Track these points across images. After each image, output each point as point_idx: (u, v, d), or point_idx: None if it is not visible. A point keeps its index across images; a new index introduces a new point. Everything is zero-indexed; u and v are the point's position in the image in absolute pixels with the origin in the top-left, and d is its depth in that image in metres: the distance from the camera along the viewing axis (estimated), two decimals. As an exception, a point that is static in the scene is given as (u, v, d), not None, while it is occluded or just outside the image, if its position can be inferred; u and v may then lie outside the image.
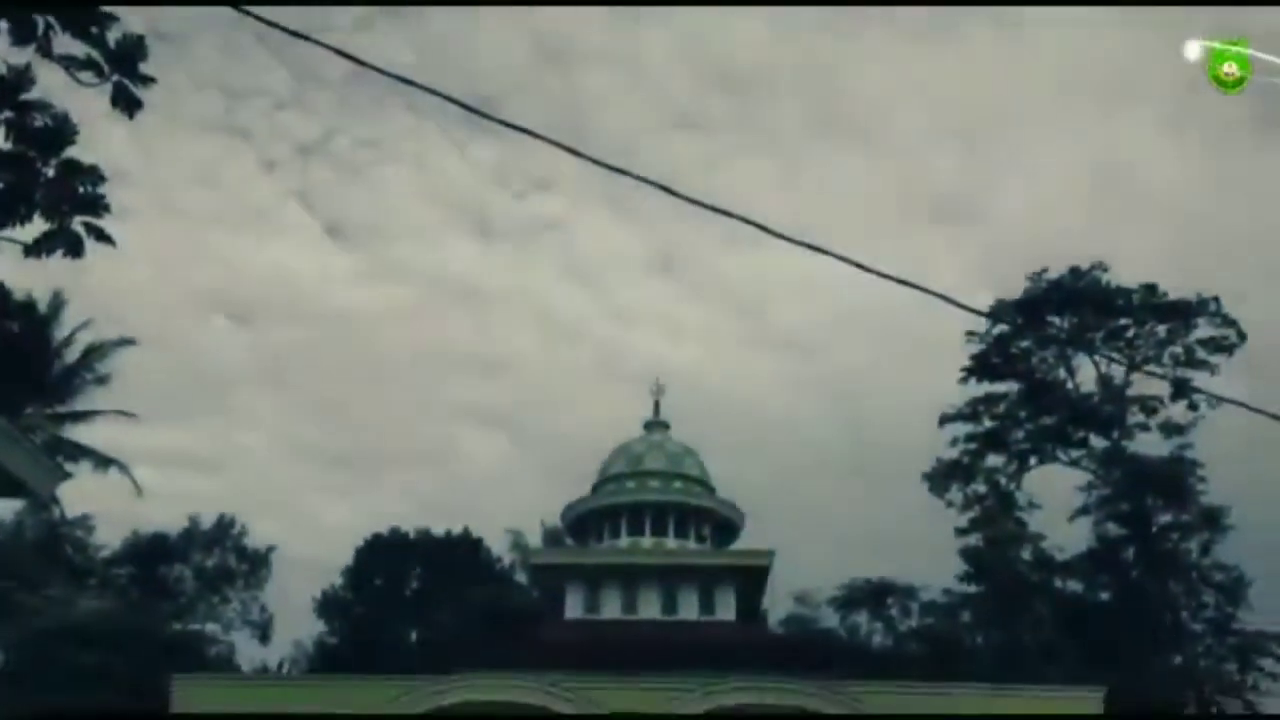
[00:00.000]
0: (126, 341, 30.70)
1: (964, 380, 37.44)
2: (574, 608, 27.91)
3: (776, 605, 43.52)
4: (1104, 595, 35.14)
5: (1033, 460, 36.79)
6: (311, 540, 73.19)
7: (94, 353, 30.11)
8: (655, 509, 29.79)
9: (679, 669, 21.38)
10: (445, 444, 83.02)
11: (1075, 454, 36.55)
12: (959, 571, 32.95)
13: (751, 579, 28.85)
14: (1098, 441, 35.85)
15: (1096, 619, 33.73)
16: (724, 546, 30.77)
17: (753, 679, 18.24)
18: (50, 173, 6.07)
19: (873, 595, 39.62)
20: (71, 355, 30.86)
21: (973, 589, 32.92)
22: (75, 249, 6.14)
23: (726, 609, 27.94)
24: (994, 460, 36.60)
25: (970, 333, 37.03)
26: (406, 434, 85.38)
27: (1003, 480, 36.15)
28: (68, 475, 22.22)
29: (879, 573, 39.52)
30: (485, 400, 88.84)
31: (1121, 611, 33.46)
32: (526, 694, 17.35)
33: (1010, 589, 30.40)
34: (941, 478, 35.54)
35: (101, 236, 6.22)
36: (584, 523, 30.92)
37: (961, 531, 33.28)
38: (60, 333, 30.60)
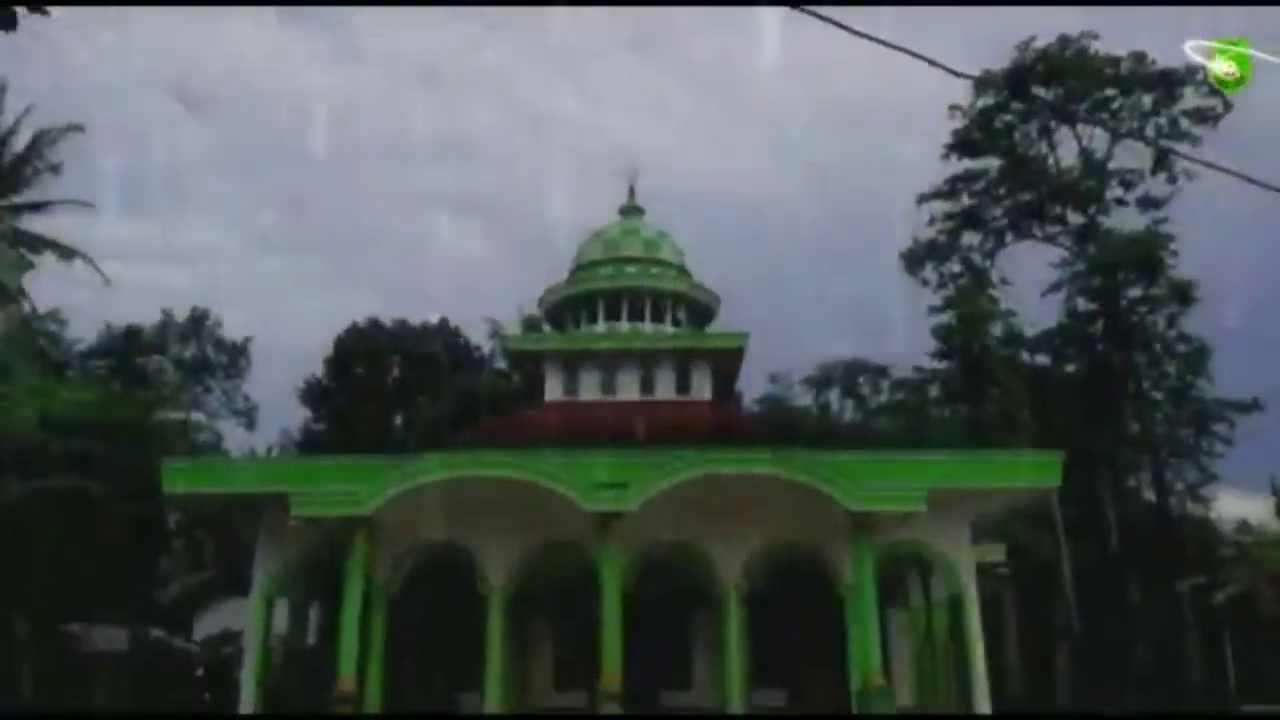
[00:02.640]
0: (75, 128, 29.34)
1: (945, 157, 36.92)
2: (554, 392, 28.49)
3: (752, 386, 44.76)
4: (1070, 368, 36.20)
5: (1009, 238, 36.90)
6: (288, 332, 73.71)
7: (42, 139, 28.82)
8: (631, 294, 29.89)
9: (657, 445, 22.10)
10: (417, 233, 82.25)
11: (1052, 230, 36.63)
12: (931, 349, 33.68)
13: (726, 361, 29.39)
14: (1075, 218, 35.82)
15: (1061, 391, 34.93)
16: (700, 330, 31.14)
17: (726, 451, 18.81)
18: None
19: (845, 374, 40.66)
20: (19, 144, 29.62)
21: (943, 365, 33.73)
22: (7, 22, 5.60)
23: (703, 390, 28.62)
24: (970, 239, 36.67)
25: (954, 107, 36.12)
26: (376, 223, 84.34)
27: (977, 258, 36.36)
28: (30, 265, 21.96)
29: (852, 353, 40.44)
30: (456, 188, 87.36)
31: (1086, 383, 34.59)
32: (508, 469, 17.83)
33: (979, 364, 31.15)
34: (918, 257, 35.65)
35: (35, 6, 5.66)
36: (561, 310, 31.07)
37: (935, 310, 33.73)
38: (4, 120, 29.22)
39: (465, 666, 18.69)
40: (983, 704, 18.27)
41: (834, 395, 42.45)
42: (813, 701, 19.01)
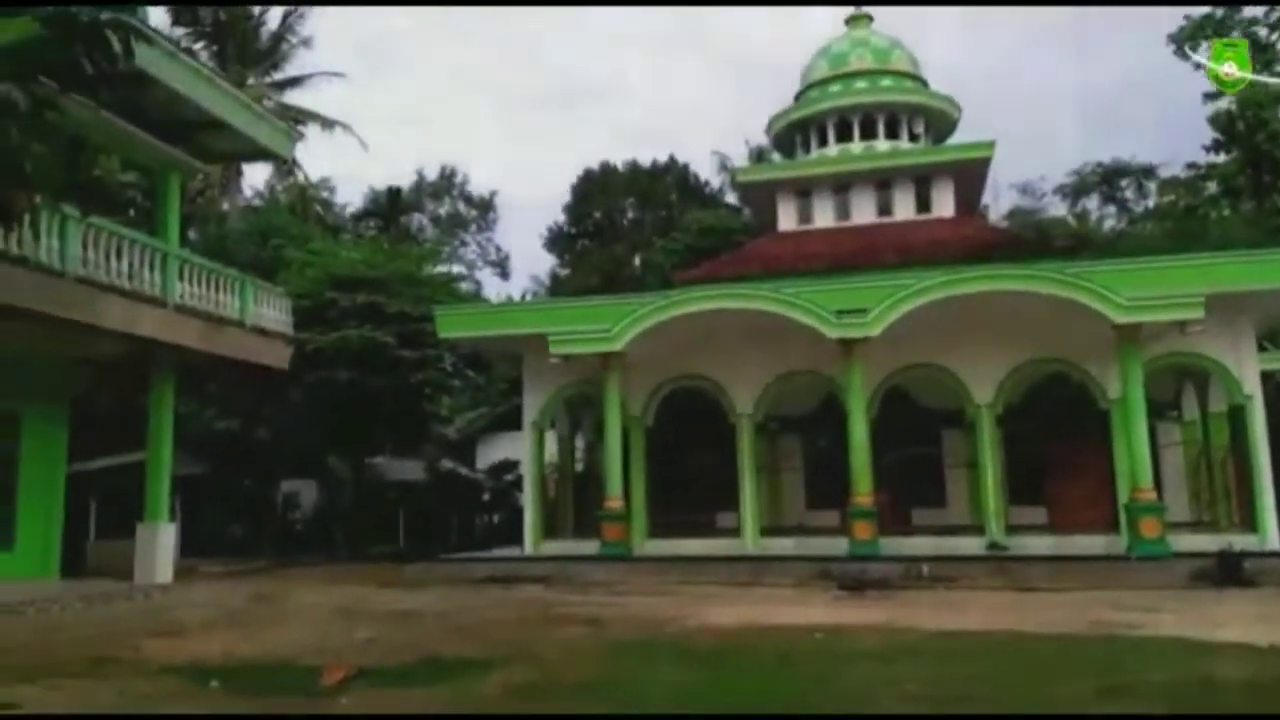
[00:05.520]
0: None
1: (1225, -86, 31.79)
2: (787, 221, 28.25)
3: (999, 199, 42.21)
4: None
5: (1305, 3, 31.70)
6: (527, 183, 76.49)
7: (291, 15, 30.98)
8: (862, 111, 28.68)
9: (898, 267, 21.63)
10: (635, 74, 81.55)
11: (1363, -14, 31.10)
12: (1206, 142, 30.10)
13: (969, 174, 27.85)
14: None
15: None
16: (939, 143, 29.52)
17: (973, 268, 18.13)
18: None
19: (1104, 179, 37.33)
20: (272, 22, 31.97)
21: (1221, 159, 30.16)
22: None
23: (944, 207, 27.42)
24: (1253, 10, 31.82)
25: None
26: (594, 69, 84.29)
27: (1263, 32, 31.61)
28: (301, 136, 24.06)
29: (1112, 155, 36.94)
30: (665, 26, 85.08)
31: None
32: (750, 300, 18.14)
33: (1265, 153, 27.60)
34: (1189, 36, 31.43)
35: None
36: (790, 135, 30.32)
37: (1210, 97, 29.88)
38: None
39: (721, 488, 19.73)
40: (1268, 520, 17.22)
41: (1093, 203, 39.24)
42: (1074, 518, 18.65)
